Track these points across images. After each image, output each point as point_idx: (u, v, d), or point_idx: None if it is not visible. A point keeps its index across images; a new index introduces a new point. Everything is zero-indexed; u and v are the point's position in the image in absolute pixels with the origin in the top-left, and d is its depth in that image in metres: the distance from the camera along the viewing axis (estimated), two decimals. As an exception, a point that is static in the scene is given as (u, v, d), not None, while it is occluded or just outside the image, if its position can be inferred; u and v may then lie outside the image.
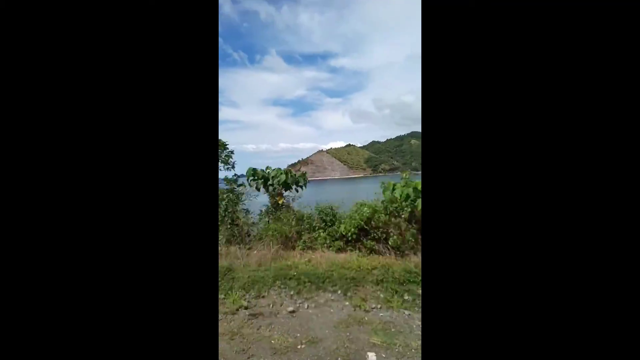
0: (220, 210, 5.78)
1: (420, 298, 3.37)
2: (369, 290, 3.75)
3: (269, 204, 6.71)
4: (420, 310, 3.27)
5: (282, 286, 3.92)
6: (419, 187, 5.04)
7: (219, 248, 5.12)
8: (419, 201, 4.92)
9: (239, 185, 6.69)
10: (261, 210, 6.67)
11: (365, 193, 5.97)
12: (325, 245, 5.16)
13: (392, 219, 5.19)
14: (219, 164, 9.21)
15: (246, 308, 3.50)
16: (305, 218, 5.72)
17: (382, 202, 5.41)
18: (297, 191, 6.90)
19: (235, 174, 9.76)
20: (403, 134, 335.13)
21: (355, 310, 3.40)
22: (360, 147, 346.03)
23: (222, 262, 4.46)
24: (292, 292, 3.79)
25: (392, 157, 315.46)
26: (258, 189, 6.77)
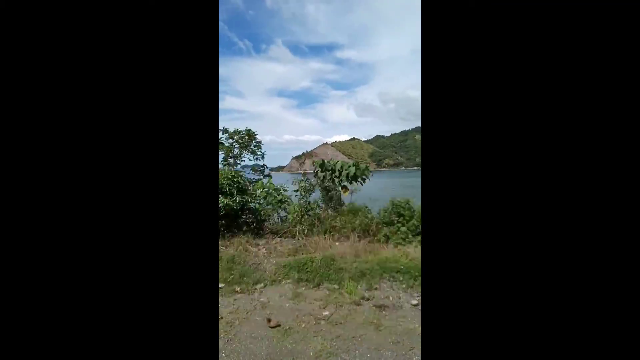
0: (297, 200, 5.80)
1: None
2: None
3: (322, 196, 6.72)
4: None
5: (390, 279, 3.95)
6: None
7: (303, 238, 5.15)
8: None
9: (304, 175, 6.69)
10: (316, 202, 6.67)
11: (399, 188, 6.03)
12: (406, 240, 5.18)
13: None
14: (248, 154, 9.39)
15: (367, 299, 3.53)
16: (381, 212, 5.72)
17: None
18: (360, 184, 6.91)
19: (264, 165, 9.92)
20: (408, 128, 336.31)
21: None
22: (364, 141, 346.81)
23: (321, 253, 4.49)
24: (403, 286, 3.82)
25: (396, 152, 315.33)
26: (325, 181, 6.77)
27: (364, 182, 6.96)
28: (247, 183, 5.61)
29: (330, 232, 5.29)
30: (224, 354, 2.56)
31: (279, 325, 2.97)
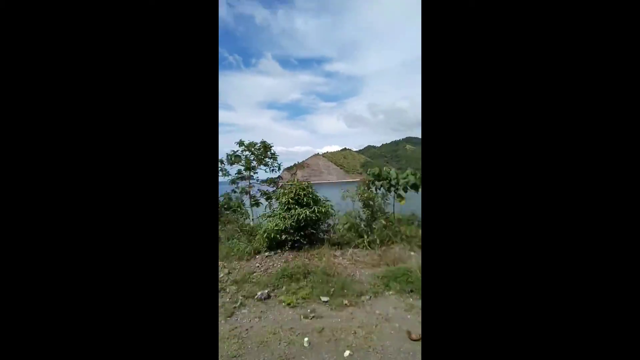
0: (370, 211, 5.74)
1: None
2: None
3: (366, 206, 6.66)
4: None
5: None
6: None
7: (378, 249, 5.07)
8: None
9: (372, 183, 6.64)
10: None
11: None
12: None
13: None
14: (262, 166, 9.45)
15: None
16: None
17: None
18: (417, 192, 6.88)
19: (280, 176, 9.87)
20: (398, 139, 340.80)
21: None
22: (356, 152, 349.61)
23: (407, 263, 4.42)
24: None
25: (387, 162, 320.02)
26: (380, 190, 6.74)
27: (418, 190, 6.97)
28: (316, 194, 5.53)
29: (406, 241, 5.23)
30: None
31: (420, 339, 2.87)
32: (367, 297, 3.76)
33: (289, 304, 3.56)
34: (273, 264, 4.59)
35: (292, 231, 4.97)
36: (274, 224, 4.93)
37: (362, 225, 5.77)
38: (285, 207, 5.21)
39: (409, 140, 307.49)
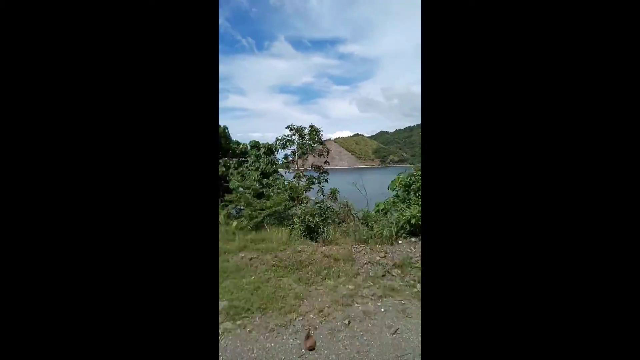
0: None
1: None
2: None
3: None
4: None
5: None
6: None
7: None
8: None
9: None
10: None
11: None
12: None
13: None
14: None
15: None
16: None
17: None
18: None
19: (327, 161, 9.28)
20: (412, 125, 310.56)
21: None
22: (368, 137, 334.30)
23: None
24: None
25: (400, 149, 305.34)
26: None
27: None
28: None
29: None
30: None
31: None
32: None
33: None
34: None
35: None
36: (416, 210, 5.00)
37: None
38: (417, 194, 5.56)
39: None
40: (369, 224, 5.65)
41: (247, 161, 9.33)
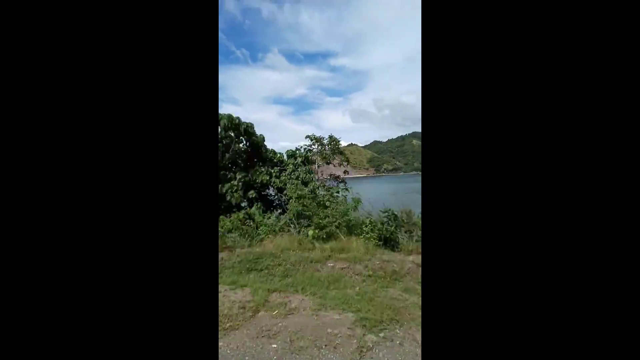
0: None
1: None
2: None
3: None
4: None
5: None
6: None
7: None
8: None
9: None
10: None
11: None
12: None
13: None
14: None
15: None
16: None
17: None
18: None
19: (346, 171, 9.49)
20: (404, 134, 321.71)
21: None
22: (362, 147, 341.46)
23: None
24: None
25: (394, 157, 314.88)
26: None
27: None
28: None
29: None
30: None
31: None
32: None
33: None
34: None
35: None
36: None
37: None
38: None
39: (415, 135, 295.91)
40: None
41: (286, 170, 9.34)
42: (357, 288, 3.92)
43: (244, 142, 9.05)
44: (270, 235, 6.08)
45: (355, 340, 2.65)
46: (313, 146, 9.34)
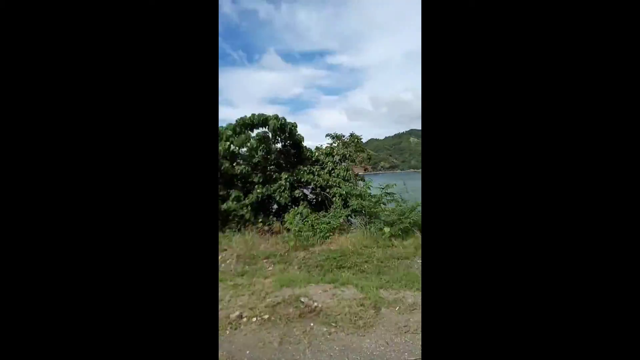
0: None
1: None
2: None
3: None
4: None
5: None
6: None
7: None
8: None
9: None
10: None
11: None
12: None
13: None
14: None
15: None
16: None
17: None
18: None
19: (367, 167, 9.28)
20: (401, 131, 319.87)
21: None
22: None
23: None
24: None
25: (391, 155, 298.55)
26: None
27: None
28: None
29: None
30: None
31: None
32: None
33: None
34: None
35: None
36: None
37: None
38: None
39: (412, 132, 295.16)
40: None
41: (324, 168, 9.37)
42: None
43: (288, 142, 9.09)
44: (330, 233, 6.10)
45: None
46: (334, 144, 9.32)
